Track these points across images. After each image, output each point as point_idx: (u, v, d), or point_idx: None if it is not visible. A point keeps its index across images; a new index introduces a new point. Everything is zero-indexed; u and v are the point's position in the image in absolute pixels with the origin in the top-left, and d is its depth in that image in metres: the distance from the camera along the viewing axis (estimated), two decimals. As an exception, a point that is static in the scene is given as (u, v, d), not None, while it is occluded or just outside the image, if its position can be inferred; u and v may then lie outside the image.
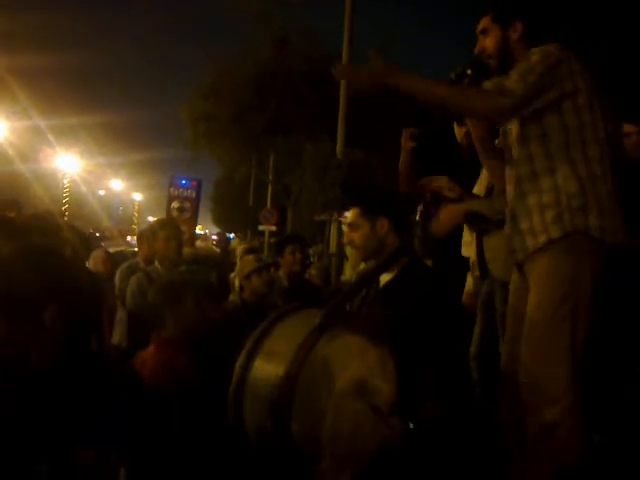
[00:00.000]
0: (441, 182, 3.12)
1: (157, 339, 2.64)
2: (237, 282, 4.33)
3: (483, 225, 3.10)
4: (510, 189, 2.47)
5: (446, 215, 3.18)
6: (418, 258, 2.93)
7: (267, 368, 1.94)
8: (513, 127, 2.44)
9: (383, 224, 2.73)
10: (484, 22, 2.51)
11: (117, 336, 4.04)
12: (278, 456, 1.87)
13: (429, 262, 3.62)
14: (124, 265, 4.70)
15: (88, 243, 4.55)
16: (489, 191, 3.19)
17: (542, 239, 2.29)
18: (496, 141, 2.61)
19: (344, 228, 17.09)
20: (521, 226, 2.37)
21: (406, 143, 3.64)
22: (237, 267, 4.48)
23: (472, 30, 2.55)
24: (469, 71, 2.45)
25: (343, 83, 15.30)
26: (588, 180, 2.27)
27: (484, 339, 3.32)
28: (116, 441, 1.87)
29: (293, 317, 2.12)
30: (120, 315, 4.10)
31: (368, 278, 2.73)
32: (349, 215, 2.82)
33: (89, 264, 4.53)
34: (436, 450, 2.26)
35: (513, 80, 2.24)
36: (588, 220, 2.25)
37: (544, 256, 2.30)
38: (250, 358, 1.98)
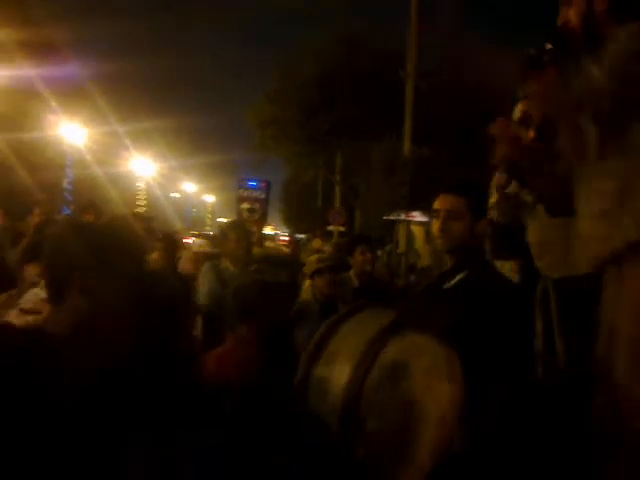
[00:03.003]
0: None
1: (234, 337, 2.68)
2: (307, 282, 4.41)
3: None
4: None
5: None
6: (488, 260, 2.85)
7: (333, 367, 1.94)
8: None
9: (484, 224, 2.65)
10: None
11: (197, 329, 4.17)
12: (340, 457, 1.87)
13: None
14: (207, 264, 4.89)
15: (175, 245, 4.78)
16: None
17: None
18: None
19: (412, 228, 16.96)
20: None
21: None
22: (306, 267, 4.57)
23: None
24: (549, 46, 2.18)
25: (410, 81, 15.21)
26: None
27: (546, 336, 3.20)
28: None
29: (360, 316, 2.12)
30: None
31: (445, 279, 2.65)
32: (445, 201, 2.62)
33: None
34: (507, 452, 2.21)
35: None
36: None
37: None
38: (315, 356, 1.98)
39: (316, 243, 9.81)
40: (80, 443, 1.43)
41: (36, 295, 2.53)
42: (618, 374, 2.14)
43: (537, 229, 3.15)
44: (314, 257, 4.45)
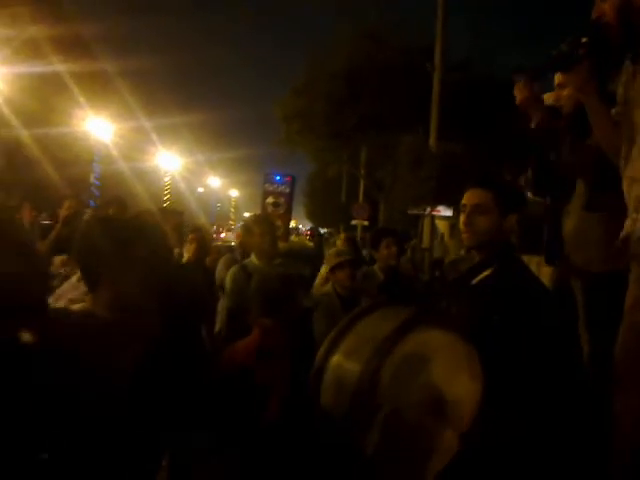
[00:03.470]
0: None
1: (259, 328, 2.71)
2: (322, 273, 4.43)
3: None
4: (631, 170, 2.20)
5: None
6: (517, 256, 2.78)
7: (349, 358, 1.94)
8: None
9: (512, 220, 2.54)
10: None
11: (219, 324, 4.18)
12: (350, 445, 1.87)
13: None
14: (224, 257, 4.96)
15: (205, 239, 4.86)
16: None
17: None
18: (612, 111, 2.31)
19: (437, 222, 16.87)
20: None
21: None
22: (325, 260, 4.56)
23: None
24: (584, 39, 2.12)
25: (436, 74, 15.10)
26: None
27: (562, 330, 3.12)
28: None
29: (380, 311, 2.11)
30: (222, 304, 4.24)
31: (472, 274, 2.59)
32: (472, 196, 2.56)
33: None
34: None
35: None
36: None
37: None
38: (332, 348, 1.98)
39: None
40: (124, 426, 1.53)
41: (74, 286, 2.66)
42: None
43: (573, 223, 3.09)
44: (332, 251, 4.43)
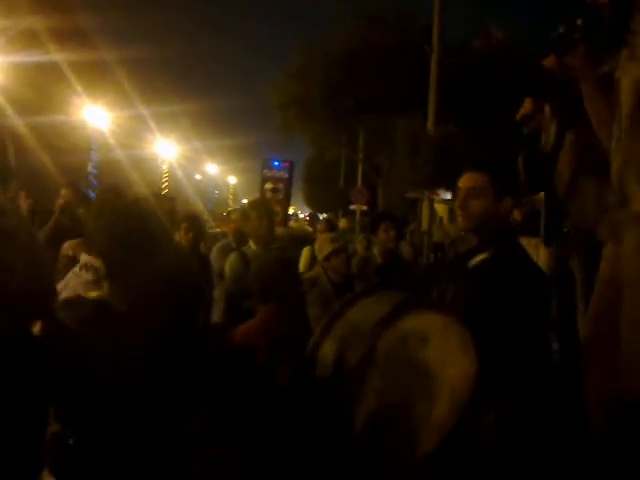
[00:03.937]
0: None
1: (264, 310, 2.72)
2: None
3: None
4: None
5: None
6: (514, 239, 2.77)
7: (340, 346, 1.95)
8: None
9: (508, 203, 2.54)
10: None
11: (217, 311, 4.17)
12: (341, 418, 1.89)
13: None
14: (218, 244, 4.94)
15: (199, 225, 4.85)
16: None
17: None
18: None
19: (436, 206, 16.84)
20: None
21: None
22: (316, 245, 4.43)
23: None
24: (579, 21, 2.14)
25: (434, 56, 14.99)
26: None
27: (561, 311, 3.13)
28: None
29: (375, 296, 2.12)
30: (218, 292, 4.23)
31: (466, 260, 2.59)
32: (468, 179, 2.56)
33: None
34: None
35: None
36: None
37: None
38: (326, 330, 1.99)
39: (342, 223, 9.78)
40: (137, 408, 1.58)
41: (77, 275, 2.70)
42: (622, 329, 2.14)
43: (567, 177, 3.07)
44: (325, 237, 4.35)
